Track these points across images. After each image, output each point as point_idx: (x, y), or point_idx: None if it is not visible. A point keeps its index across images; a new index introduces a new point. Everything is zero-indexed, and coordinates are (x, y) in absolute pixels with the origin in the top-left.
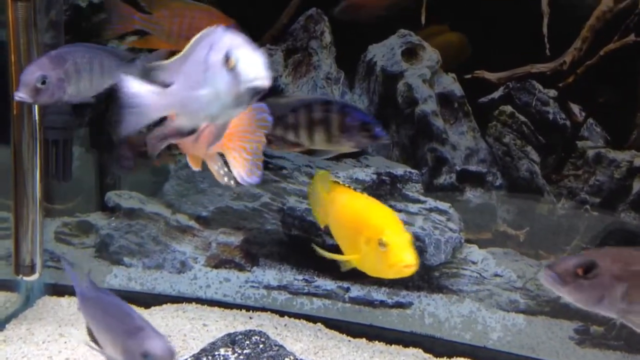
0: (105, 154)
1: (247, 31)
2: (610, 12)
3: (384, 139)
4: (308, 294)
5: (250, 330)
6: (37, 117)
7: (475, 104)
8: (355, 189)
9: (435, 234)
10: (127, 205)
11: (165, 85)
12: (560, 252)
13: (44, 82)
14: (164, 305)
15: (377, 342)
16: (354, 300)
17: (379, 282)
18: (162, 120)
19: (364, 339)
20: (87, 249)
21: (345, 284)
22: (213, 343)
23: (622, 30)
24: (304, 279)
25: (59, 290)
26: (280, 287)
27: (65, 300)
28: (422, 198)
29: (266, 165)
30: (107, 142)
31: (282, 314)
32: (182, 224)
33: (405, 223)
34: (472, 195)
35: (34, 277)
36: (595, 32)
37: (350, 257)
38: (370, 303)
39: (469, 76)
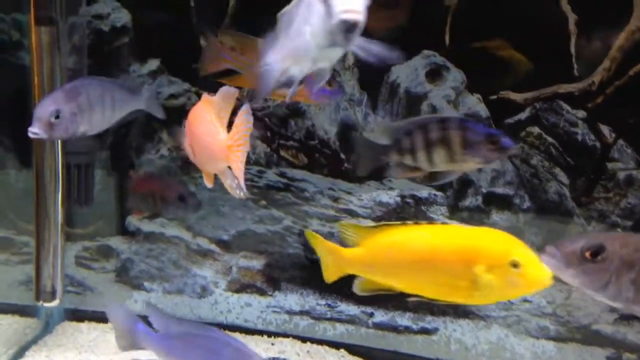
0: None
1: None
2: None
3: (513, 150)
4: (331, 319)
5: (273, 358)
6: (59, 141)
7: (502, 125)
8: (392, 221)
9: None
10: (147, 229)
11: None
12: None
13: (57, 117)
14: None
15: None
16: (378, 326)
17: (404, 307)
18: None
19: None
20: (108, 274)
21: (369, 309)
22: None
23: None
24: (326, 303)
25: (79, 315)
26: (302, 312)
27: (85, 326)
28: (447, 221)
29: (288, 188)
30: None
31: (304, 339)
32: (203, 247)
33: None
34: (499, 218)
35: (54, 303)
36: (624, 52)
37: (463, 300)
38: (395, 329)
39: (494, 97)
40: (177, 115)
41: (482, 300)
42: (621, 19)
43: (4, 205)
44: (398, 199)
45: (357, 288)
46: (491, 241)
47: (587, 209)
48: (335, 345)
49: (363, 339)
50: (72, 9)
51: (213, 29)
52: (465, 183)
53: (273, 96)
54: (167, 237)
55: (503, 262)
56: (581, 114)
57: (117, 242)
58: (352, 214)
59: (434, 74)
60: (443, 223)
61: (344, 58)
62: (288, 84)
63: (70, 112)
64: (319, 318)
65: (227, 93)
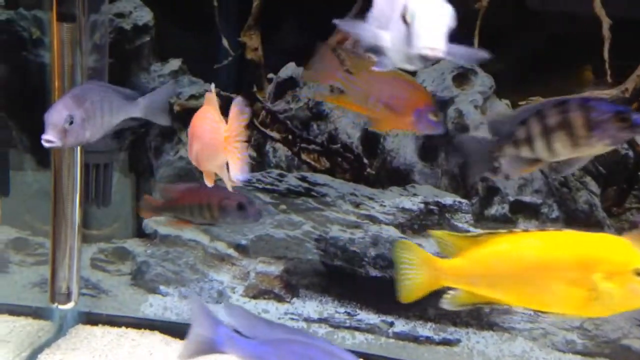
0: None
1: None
2: None
3: None
4: (350, 327)
5: None
6: None
7: None
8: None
9: None
10: (164, 231)
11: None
12: None
13: (71, 123)
14: None
15: None
16: (398, 336)
17: (425, 317)
18: None
19: None
20: (123, 277)
21: (389, 318)
22: None
23: None
24: (345, 311)
25: (93, 319)
26: (320, 320)
27: (99, 330)
28: (472, 229)
29: (308, 192)
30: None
31: None
32: (221, 252)
33: None
34: (526, 227)
35: (69, 306)
36: None
37: (577, 311)
38: (416, 339)
39: (523, 102)
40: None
41: (600, 311)
42: None
43: (20, 205)
44: (422, 205)
45: (449, 302)
46: (611, 248)
47: (619, 219)
48: (354, 354)
49: (383, 349)
50: (94, 7)
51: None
52: (491, 190)
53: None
54: (184, 241)
55: (625, 269)
56: None
57: (133, 245)
58: (374, 220)
59: (462, 78)
60: (467, 232)
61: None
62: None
63: (81, 118)
64: (337, 326)
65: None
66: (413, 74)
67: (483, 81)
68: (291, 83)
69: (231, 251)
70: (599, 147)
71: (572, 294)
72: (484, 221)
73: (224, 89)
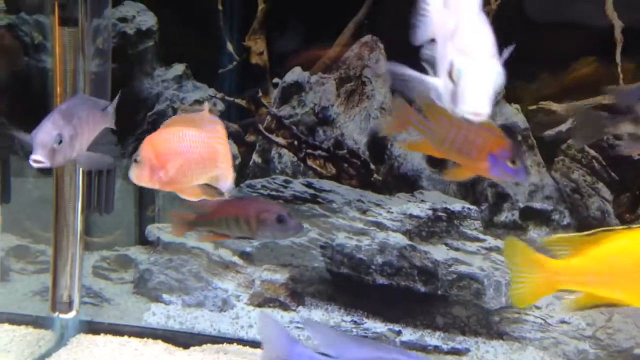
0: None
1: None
2: None
3: None
4: (357, 336)
5: None
6: None
7: (541, 136)
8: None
9: (495, 275)
10: (168, 239)
11: None
12: None
13: (60, 142)
14: (204, 346)
15: None
16: (406, 345)
17: (433, 326)
18: None
19: None
20: (126, 285)
21: (397, 327)
22: None
23: None
24: (352, 320)
25: (95, 328)
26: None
27: (101, 339)
28: (481, 236)
29: (314, 199)
30: None
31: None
32: (225, 259)
33: (463, 263)
34: (537, 234)
35: (71, 315)
36: None
37: None
38: (424, 348)
39: (534, 107)
40: None
41: None
42: None
43: (21, 213)
44: (430, 212)
45: (569, 306)
46: None
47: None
48: None
49: None
50: (96, 11)
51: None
52: (501, 197)
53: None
54: (187, 248)
55: None
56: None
57: (136, 252)
58: (380, 226)
59: None
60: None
61: (375, 64)
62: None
63: (69, 136)
64: None
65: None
66: None
67: None
68: (297, 88)
69: (236, 259)
70: None
71: None
72: (493, 228)
73: (229, 93)
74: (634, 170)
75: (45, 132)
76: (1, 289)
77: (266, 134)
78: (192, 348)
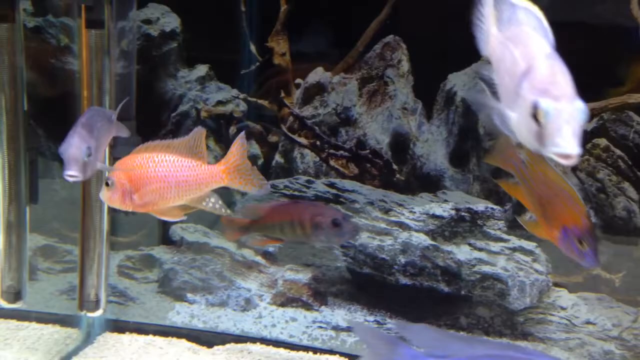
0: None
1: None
2: None
3: None
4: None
5: None
6: (107, 149)
7: None
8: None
9: (519, 276)
10: (191, 238)
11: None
12: None
13: (89, 155)
14: (228, 345)
15: None
16: None
17: (457, 326)
18: None
19: None
20: (150, 284)
21: None
22: None
23: None
24: (375, 320)
25: (120, 326)
26: (349, 329)
27: (126, 338)
28: (505, 236)
29: (337, 199)
30: None
31: (351, 357)
32: (248, 259)
33: (486, 263)
34: None
35: (98, 313)
36: None
37: None
38: None
39: None
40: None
41: None
42: None
43: (48, 213)
44: (453, 212)
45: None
46: None
47: None
48: None
49: None
50: (122, 13)
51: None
52: None
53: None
54: (211, 248)
55: None
56: None
57: (160, 252)
58: (403, 227)
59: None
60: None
61: (398, 65)
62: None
63: (95, 149)
64: None
65: (197, 133)
66: None
67: None
68: (319, 88)
69: (259, 258)
70: None
71: None
72: (517, 228)
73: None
74: None
75: (76, 147)
76: (29, 288)
77: (288, 134)
78: (215, 347)
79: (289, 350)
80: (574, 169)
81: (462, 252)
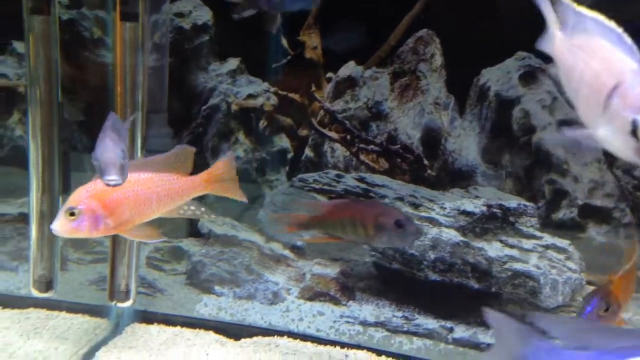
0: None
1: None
2: None
3: None
4: (407, 332)
5: None
6: (139, 141)
7: None
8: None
9: (551, 274)
10: (220, 231)
11: None
12: None
13: (124, 157)
14: (255, 338)
15: None
16: (458, 342)
17: (487, 324)
18: None
19: None
20: (178, 276)
21: (449, 324)
22: None
23: None
24: (403, 316)
25: (149, 317)
26: (377, 324)
27: (154, 328)
28: (537, 234)
29: (366, 194)
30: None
31: (379, 352)
32: (276, 252)
33: (518, 260)
34: (596, 232)
35: (128, 304)
36: None
37: None
38: (477, 346)
39: None
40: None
41: None
42: None
43: None
44: (484, 208)
45: None
46: None
47: None
48: None
49: (442, 355)
50: (155, 6)
51: None
52: (559, 193)
53: None
54: (239, 241)
55: None
56: None
57: (188, 244)
58: (433, 222)
59: (529, 77)
60: (532, 236)
61: (431, 59)
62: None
63: (126, 150)
64: (395, 331)
65: (182, 150)
66: None
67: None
68: (350, 83)
69: (287, 252)
70: None
71: None
72: (551, 226)
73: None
74: None
75: (112, 152)
76: (60, 278)
77: (319, 128)
78: (243, 340)
79: (316, 345)
80: (611, 165)
81: (493, 248)
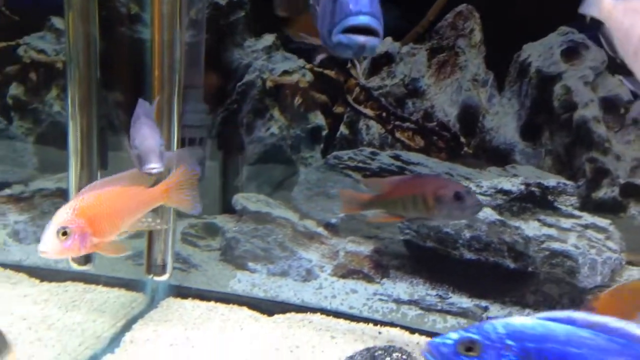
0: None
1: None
2: None
3: None
4: (441, 311)
5: (389, 346)
6: (176, 117)
7: None
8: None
9: (590, 253)
10: (254, 208)
11: None
12: None
13: (162, 144)
14: (288, 314)
15: None
16: None
17: (523, 303)
18: None
19: None
20: (213, 252)
21: (484, 303)
22: (351, 357)
23: None
24: (437, 294)
25: (183, 292)
26: (411, 302)
27: (189, 303)
28: (577, 213)
29: (401, 171)
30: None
31: (412, 330)
32: (310, 230)
33: (556, 240)
34: (638, 212)
35: (164, 278)
36: None
37: None
38: None
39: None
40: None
41: None
42: None
43: None
44: (522, 187)
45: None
46: None
47: None
48: None
49: None
50: None
51: None
52: (600, 172)
53: None
54: (273, 218)
55: None
56: None
57: (223, 220)
58: None
59: (571, 53)
60: (571, 215)
61: (470, 35)
62: None
63: (162, 138)
64: (428, 309)
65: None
66: None
67: (595, 56)
68: (387, 59)
69: (321, 230)
70: None
71: None
72: (591, 205)
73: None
74: None
75: (152, 139)
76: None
77: (354, 105)
78: (276, 316)
79: (349, 322)
80: None
81: (530, 228)
